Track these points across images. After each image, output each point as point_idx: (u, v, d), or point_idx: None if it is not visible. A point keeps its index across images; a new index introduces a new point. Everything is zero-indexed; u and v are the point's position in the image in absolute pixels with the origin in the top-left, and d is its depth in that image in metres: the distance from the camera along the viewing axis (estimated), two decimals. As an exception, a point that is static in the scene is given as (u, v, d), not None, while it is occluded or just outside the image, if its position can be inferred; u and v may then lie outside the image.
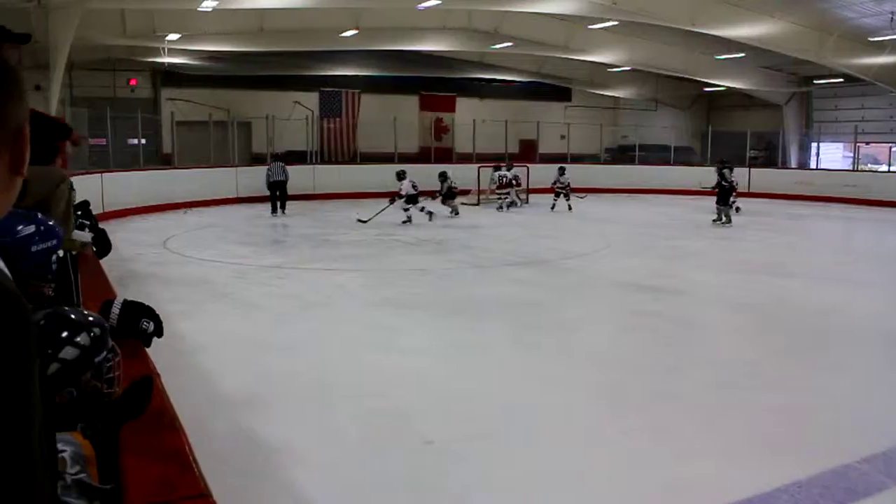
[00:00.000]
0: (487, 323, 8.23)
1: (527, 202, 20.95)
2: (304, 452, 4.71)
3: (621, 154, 31.14)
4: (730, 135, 28.06)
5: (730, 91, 30.26)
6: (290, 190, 19.06)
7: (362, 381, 6.07)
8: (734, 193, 17.19)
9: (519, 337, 7.57)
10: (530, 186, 21.62)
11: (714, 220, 16.57)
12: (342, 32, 20.72)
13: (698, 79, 28.28)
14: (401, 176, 16.51)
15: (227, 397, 5.74)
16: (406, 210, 16.21)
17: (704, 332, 8.10)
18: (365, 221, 15.70)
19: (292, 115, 24.04)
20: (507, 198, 20.09)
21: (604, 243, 13.00)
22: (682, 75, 27.93)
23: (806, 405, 5.54)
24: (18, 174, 0.99)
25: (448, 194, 17.99)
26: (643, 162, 27.58)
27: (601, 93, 31.83)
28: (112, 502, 1.53)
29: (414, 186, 16.38)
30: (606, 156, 31.39)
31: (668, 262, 12.21)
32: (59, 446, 1.54)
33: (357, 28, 20.45)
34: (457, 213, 17.78)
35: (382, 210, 15.98)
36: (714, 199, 16.79)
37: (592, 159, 29.84)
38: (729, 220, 16.32)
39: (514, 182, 20.57)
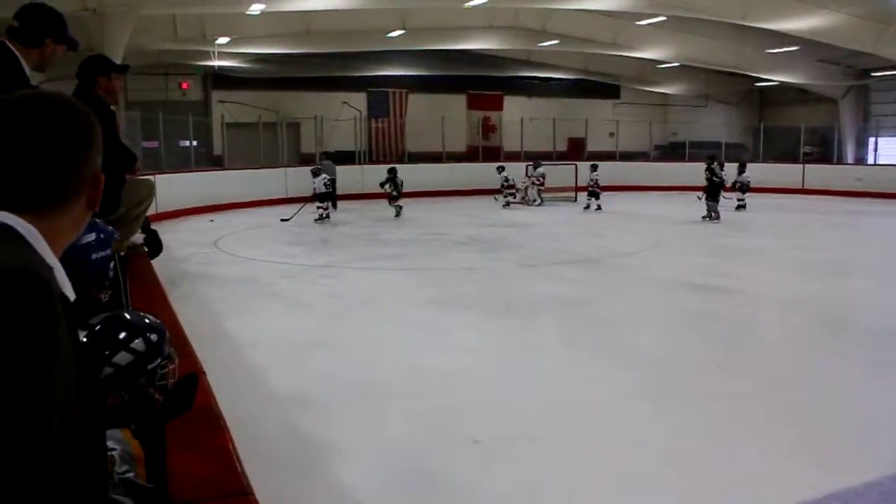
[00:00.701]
0: (535, 322, 8.18)
1: (540, 202, 20.81)
2: (351, 451, 4.73)
3: (671, 151, 30.73)
4: (783, 130, 27.49)
5: (783, 86, 29.62)
6: (339, 189, 19.60)
7: (410, 379, 6.08)
8: (724, 189, 17.06)
9: (567, 336, 7.51)
10: (579, 185, 21.44)
11: (703, 217, 16.43)
12: (389, 33, 20.81)
13: (750, 74, 27.73)
14: (315, 173, 16.68)
15: (276, 395, 5.79)
16: (320, 209, 16.56)
17: (756, 332, 7.93)
18: (287, 220, 16.22)
19: (340, 116, 24.21)
20: (513, 195, 20.33)
21: (653, 241, 12.84)
22: (732, 70, 27.40)
23: (860, 408, 5.40)
24: (92, 210, 1.21)
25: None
26: (693, 159, 27.17)
27: (650, 89, 31.46)
28: (157, 500, 1.54)
29: (326, 185, 16.49)
30: (656, 153, 30.99)
31: (719, 260, 12.01)
32: (110, 444, 1.57)
33: (403, 28, 20.52)
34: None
35: (301, 208, 16.59)
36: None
37: (642, 157, 29.52)
38: (718, 217, 16.19)
39: (536, 181, 20.54)
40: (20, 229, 1.05)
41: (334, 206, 18.99)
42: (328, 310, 8.75)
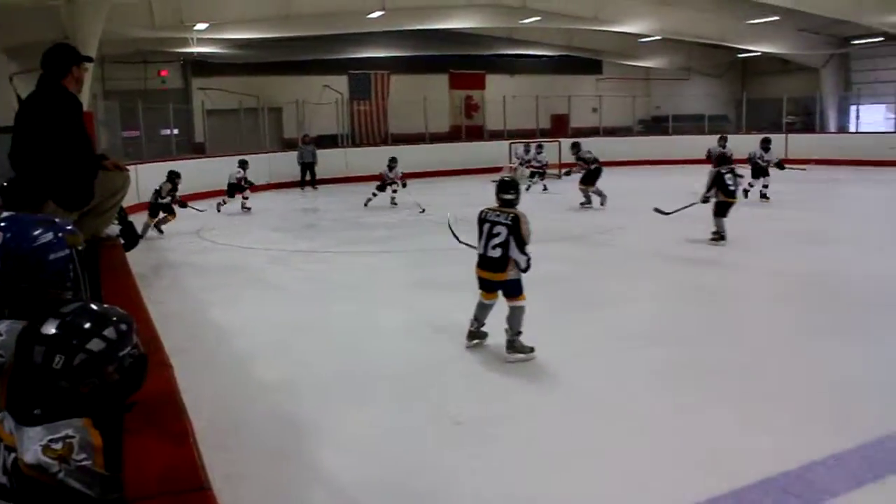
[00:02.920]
0: (528, 301, 8.16)
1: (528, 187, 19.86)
2: (336, 435, 4.74)
3: (655, 125, 30.74)
4: (765, 101, 27.52)
5: (764, 56, 29.61)
6: (322, 173, 20.21)
7: (397, 362, 6.09)
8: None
9: (559, 313, 7.49)
10: (562, 161, 21.40)
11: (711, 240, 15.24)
12: (368, 14, 20.62)
13: (732, 45, 27.70)
14: (242, 164, 16.43)
15: (263, 382, 5.79)
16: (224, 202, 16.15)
17: (747, 304, 7.95)
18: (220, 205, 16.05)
19: (322, 99, 24.09)
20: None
21: (641, 216, 12.82)
22: (714, 42, 27.37)
23: (849, 377, 5.44)
24: None
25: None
26: (677, 132, 27.19)
27: (632, 64, 31.38)
28: (113, 489, 1.57)
29: (239, 179, 16.12)
30: (639, 127, 31.01)
31: (704, 232, 12.02)
32: (70, 432, 1.62)
33: (383, 9, 20.34)
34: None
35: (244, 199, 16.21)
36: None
37: (625, 132, 29.52)
38: (724, 237, 12.14)
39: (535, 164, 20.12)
40: None
41: (314, 187, 20.38)
42: (314, 295, 8.73)
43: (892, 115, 26.46)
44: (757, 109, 26.68)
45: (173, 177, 13.32)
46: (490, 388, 5.48)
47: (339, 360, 6.21)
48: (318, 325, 7.33)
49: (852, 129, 27.68)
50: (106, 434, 1.65)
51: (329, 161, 21.43)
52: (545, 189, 18.13)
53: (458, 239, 7.10)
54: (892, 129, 25.62)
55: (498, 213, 5.93)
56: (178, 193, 13.49)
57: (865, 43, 26.56)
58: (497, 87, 28.25)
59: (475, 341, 6.21)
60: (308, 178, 20.70)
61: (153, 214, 13.21)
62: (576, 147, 16.34)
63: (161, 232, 13.20)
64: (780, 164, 15.19)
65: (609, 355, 6.11)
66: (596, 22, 24.09)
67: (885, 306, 7.42)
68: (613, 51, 30.02)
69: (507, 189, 6.01)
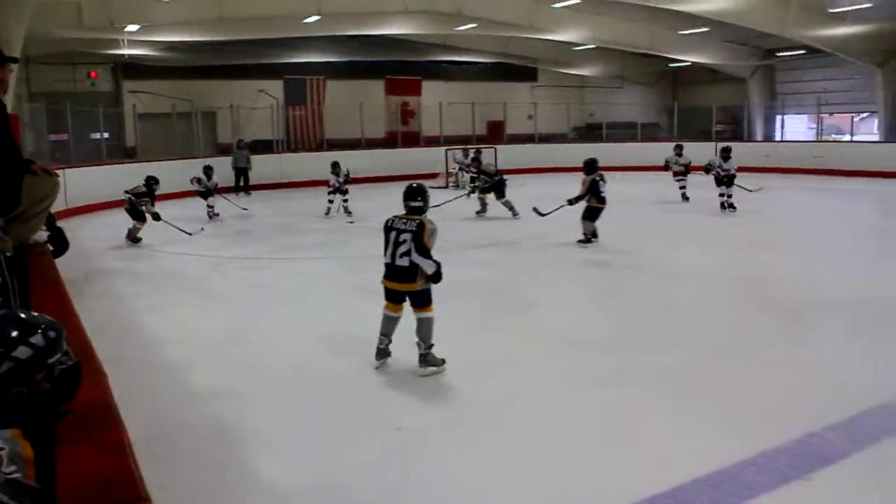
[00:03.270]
0: (457, 305, 8.18)
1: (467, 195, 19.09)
2: (276, 443, 4.69)
3: (589, 132, 31.21)
4: (696, 110, 28.18)
5: (694, 66, 30.38)
6: (257, 179, 20.08)
7: (335, 369, 6.05)
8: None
9: (490, 319, 7.57)
10: (499, 167, 21.55)
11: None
12: (304, 19, 20.51)
13: (663, 54, 28.38)
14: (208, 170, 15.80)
15: (199, 390, 5.69)
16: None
17: (679, 308, 8.11)
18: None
19: (257, 104, 23.83)
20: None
21: (573, 221, 12.96)
22: (646, 51, 28.00)
23: (777, 377, 5.61)
24: None
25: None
26: (610, 139, 27.64)
27: (567, 71, 31.87)
28: (45, 502, 1.52)
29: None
30: (574, 134, 31.45)
31: (640, 237, 12.26)
32: None
33: (319, 14, 20.25)
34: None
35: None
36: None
37: (560, 138, 29.91)
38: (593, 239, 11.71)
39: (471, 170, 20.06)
40: None
41: (247, 192, 19.99)
42: (251, 302, 8.61)
43: (814, 125, 27.36)
44: (688, 117, 27.29)
45: (151, 182, 12.81)
46: (429, 393, 5.49)
47: (277, 367, 6.14)
48: (255, 333, 7.23)
49: (778, 137, 28.53)
50: (37, 445, 1.59)
51: (264, 166, 21.19)
52: (470, 196, 17.23)
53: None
54: (815, 139, 26.47)
55: (405, 220, 5.77)
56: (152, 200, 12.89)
57: (789, 55, 27.48)
58: (433, 93, 28.36)
59: (383, 360, 5.95)
60: (242, 183, 20.43)
61: (137, 218, 12.65)
62: (477, 161, 16.68)
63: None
64: (731, 180, 14.88)
65: (541, 359, 6.18)
66: (531, 30, 24.40)
67: (816, 310, 7.67)
68: (548, 58, 30.45)
69: (415, 196, 5.85)
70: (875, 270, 9.87)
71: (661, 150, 24.27)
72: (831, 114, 27.48)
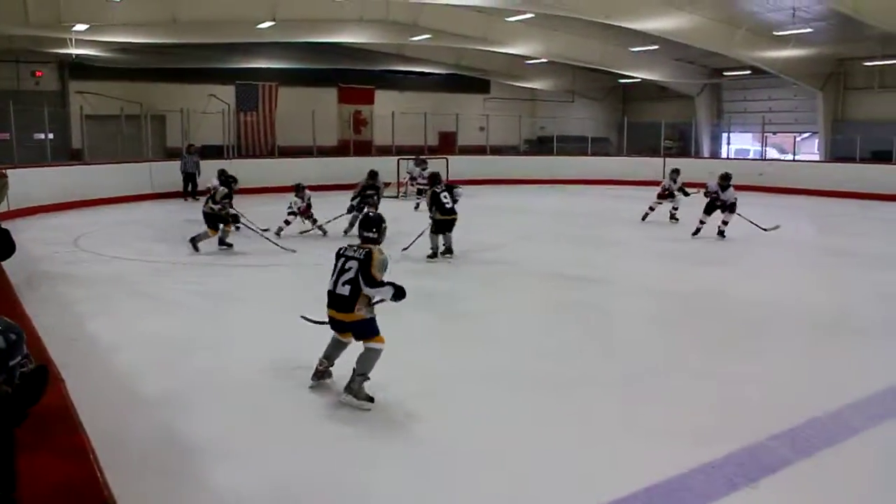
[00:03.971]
0: (407, 316, 8.19)
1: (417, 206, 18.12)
2: (227, 451, 4.63)
3: (540, 145, 31.53)
4: (644, 125, 28.65)
5: (644, 83, 30.91)
6: (207, 184, 19.56)
7: (286, 375, 6.00)
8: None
9: (437, 329, 7.63)
10: (450, 178, 21.64)
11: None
12: (258, 24, 20.36)
13: (613, 70, 28.81)
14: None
15: (145, 398, 5.59)
16: None
17: (626, 321, 8.24)
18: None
19: (208, 109, 23.53)
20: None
21: (523, 233, 13.12)
22: (597, 67, 28.43)
23: (722, 388, 5.75)
24: None
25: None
26: (561, 153, 27.96)
27: (519, 85, 32.17)
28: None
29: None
30: (525, 147, 31.75)
31: (588, 251, 12.42)
32: None
33: (273, 20, 20.11)
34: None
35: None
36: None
37: (512, 151, 30.15)
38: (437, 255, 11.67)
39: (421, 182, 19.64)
40: None
41: (195, 198, 19.34)
42: (201, 308, 8.52)
43: (759, 144, 28.05)
44: (637, 133, 27.73)
45: (230, 181, 12.04)
46: (382, 403, 5.48)
47: (227, 373, 6.07)
48: (205, 339, 7.14)
49: (724, 155, 29.16)
50: (-1, 449, 1.57)
51: (214, 172, 20.86)
52: (417, 207, 17.18)
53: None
54: (759, 157, 27.11)
55: (356, 248, 5.48)
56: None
57: (736, 75, 28.17)
58: (386, 102, 28.34)
59: (318, 381, 5.68)
60: (190, 188, 20.11)
61: (213, 226, 11.68)
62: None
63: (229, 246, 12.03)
64: (732, 208, 13.74)
65: (487, 370, 6.22)
66: (485, 42, 24.58)
67: (761, 324, 7.88)
68: (501, 71, 30.71)
69: (370, 227, 5.59)
70: (813, 285, 10.18)
71: (611, 165, 24.86)
72: (775, 133, 28.24)
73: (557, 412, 5.26)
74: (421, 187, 17.83)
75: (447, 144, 27.61)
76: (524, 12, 21.21)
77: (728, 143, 29.84)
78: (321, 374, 5.70)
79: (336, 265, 5.50)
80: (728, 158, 27.84)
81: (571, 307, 8.65)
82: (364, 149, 26.51)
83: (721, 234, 13.62)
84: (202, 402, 5.47)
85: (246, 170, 21.41)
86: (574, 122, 31.61)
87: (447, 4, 20.51)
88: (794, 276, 10.88)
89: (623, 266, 11.12)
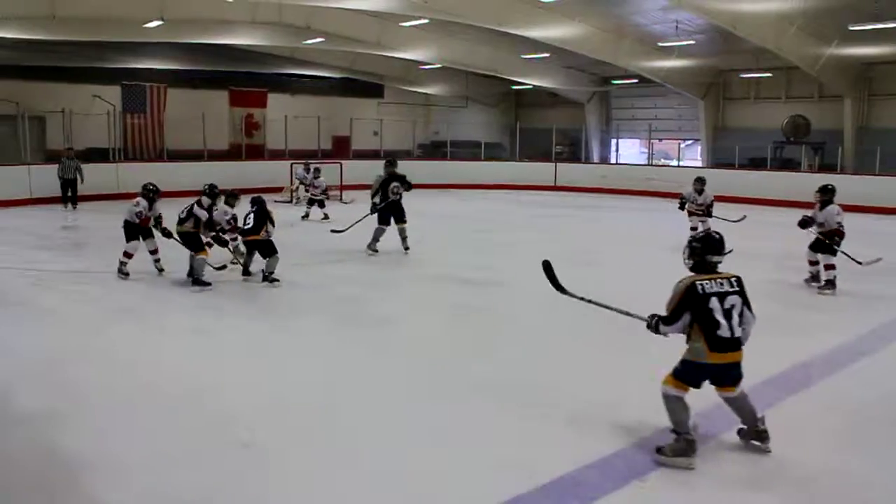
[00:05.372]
0: (303, 321, 8.14)
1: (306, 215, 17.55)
2: (112, 466, 4.48)
3: (434, 150, 31.75)
4: (537, 131, 29.25)
5: (536, 89, 31.59)
6: (93, 189, 18.93)
7: (175, 387, 5.85)
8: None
9: (336, 333, 7.59)
10: (344, 183, 21.57)
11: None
12: (146, 23, 19.76)
13: (506, 77, 29.35)
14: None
15: (24, 410, 5.36)
16: None
17: (522, 324, 8.37)
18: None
19: (92, 110, 22.63)
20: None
21: (417, 237, 13.13)
22: (490, 73, 28.89)
23: (610, 386, 5.96)
24: None
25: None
26: (455, 158, 28.24)
27: (413, 89, 32.34)
28: None
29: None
30: (419, 151, 31.91)
31: (479, 254, 12.57)
32: None
33: (161, 19, 19.57)
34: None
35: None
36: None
37: (405, 155, 30.23)
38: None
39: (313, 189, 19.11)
40: None
41: (73, 205, 18.74)
42: (85, 318, 8.17)
43: (645, 150, 29.11)
44: (529, 138, 28.30)
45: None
46: (273, 407, 5.42)
47: (113, 386, 5.87)
48: (89, 350, 6.88)
49: (612, 160, 30.10)
50: None
51: (99, 176, 20.05)
52: (326, 217, 16.60)
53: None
54: (646, 162, 28.09)
55: (720, 282, 4.82)
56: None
57: (623, 83, 29.17)
58: (279, 106, 27.91)
59: None
60: (70, 194, 19.09)
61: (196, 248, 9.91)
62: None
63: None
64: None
65: (390, 372, 6.28)
66: (378, 47, 24.62)
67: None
68: (395, 76, 30.81)
69: (721, 249, 4.93)
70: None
71: (504, 169, 25.25)
72: (661, 139, 29.38)
73: (446, 417, 5.32)
74: (314, 197, 17.26)
75: (341, 149, 27.49)
76: (418, 18, 21.32)
77: (616, 150, 30.87)
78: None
79: (709, 307, 4.64)
80: (617, 164, 28.77)
81: (464, 311, 8.70)
82: (256, 153, 26.07)
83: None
84: (84, 415, 5.28)
85: (133, 173, 20.76)
86: (468, 127, 32.01)
87: (340, 8, 20.42)
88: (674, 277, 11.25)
89: (514, 268, 11.27)
